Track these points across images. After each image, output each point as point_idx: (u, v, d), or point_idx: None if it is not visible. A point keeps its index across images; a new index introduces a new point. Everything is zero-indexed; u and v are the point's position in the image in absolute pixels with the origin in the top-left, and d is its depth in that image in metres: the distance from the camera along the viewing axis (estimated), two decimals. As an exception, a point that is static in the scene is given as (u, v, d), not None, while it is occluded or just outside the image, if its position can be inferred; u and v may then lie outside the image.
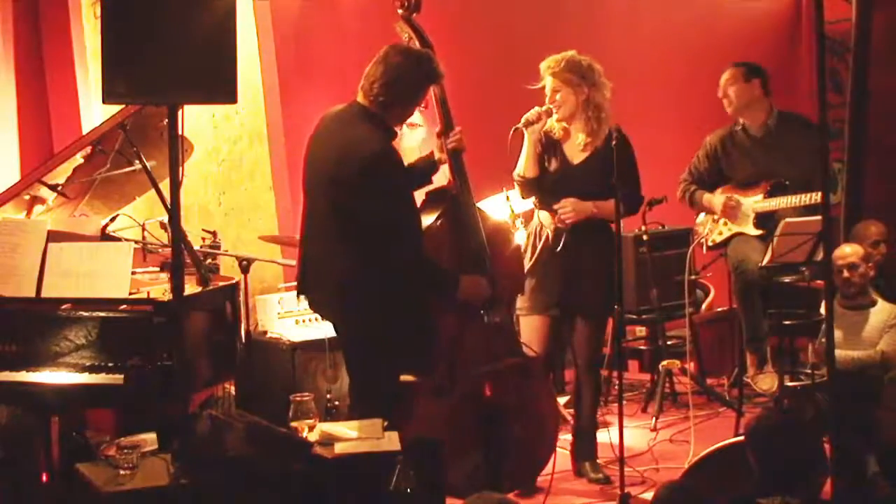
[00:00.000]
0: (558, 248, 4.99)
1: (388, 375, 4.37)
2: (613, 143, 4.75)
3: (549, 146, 5.03)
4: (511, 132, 4.96)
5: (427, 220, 4.54)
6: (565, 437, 5.37)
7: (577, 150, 5.05)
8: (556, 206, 4.99)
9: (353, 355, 4.46)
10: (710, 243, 6.28)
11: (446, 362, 4.48)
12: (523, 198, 5.17)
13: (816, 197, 5.75)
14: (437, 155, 4.69)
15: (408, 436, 3.86)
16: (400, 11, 4.64)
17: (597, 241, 5.00)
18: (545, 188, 5.03)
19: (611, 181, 4.69)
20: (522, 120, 4.93)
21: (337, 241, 4.29)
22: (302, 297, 4.59)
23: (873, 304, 5.41)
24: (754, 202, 6.07)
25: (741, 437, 3.92)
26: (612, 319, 5.21)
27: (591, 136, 5.01)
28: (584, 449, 5.19)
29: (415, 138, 5.95)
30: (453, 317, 4.52)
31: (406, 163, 4.56)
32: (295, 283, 4.57)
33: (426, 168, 4.71)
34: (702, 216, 6.37)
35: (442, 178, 4.82)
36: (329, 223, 4.32)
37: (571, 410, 5.42)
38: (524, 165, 5.01)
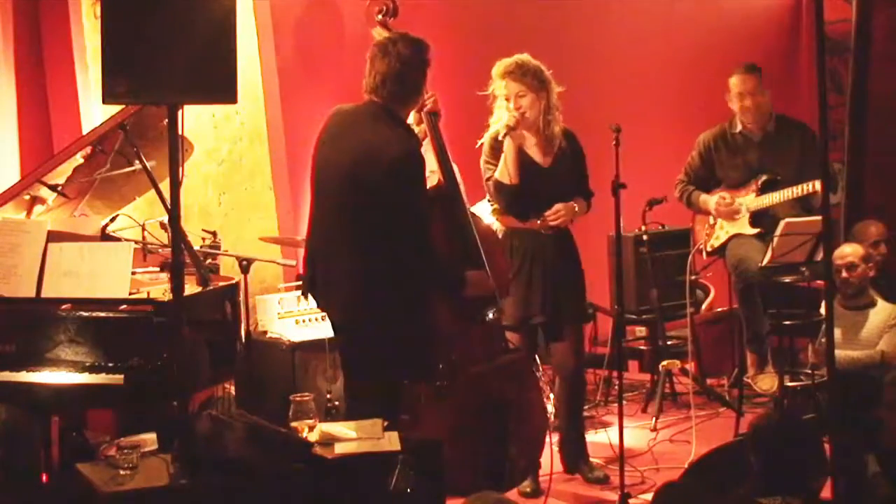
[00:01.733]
0: (547, 258, 5.00)
1: (391, 379, 4.35)
2: (615, 142, 4.76)
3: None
4: (493, 139, 4.99)
5: None
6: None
7: (540, 153, 5.06)
8: (548, 213, 4.99)
9: (359, 356, 4.41)
10: (708, 248, 6.28)
11: (446, 362, 4.47)
12: (499, 205, 5.07)
13: (809, 187, 5.76)
14: (415, 128, 4.57)
15: (409, 436, 3.85)
16: (378, 17, 4.64)
17: (567, 245, 5.10)
18: (521, 194, 5.01)
19: (616, 181, 4.72)
20: (504, 127, 4.91)
21: (353, 241, 4.24)
22: (308, 296, 4.56)
23: (873, 304, 5.41)
24: (748, 201, 6.06)
25: (741, 437, 3.93)
26: (613, 319, 5.23)
27: (553, 138, 5.04)
28: (578, 451, 5.18)
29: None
30: (455, 316, 4.50)
31: None
32: (295, 284, 4.57)
33: None
34: (698, 223, 6.36)
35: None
36: (345, 224, 4.26)
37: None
38: (508, 172, 4.94)
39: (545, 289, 5.02)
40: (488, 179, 5.04)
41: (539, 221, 5.02)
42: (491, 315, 4.61)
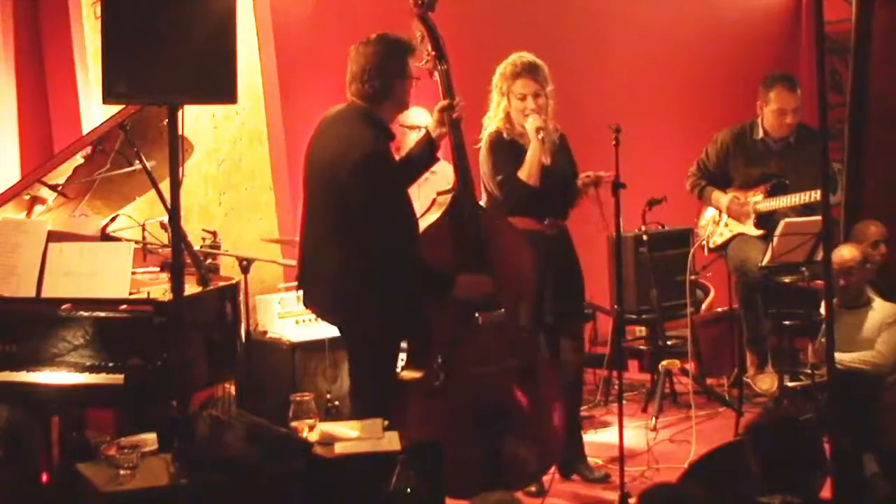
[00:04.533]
0: (553, 258, 4.99)
1: (384, 371, 4.37)
2: (614, 142, 4.76)
3: (523, 150, 4.99)
4: (496, 137, 4.97)
5: (431, 217, 4.53)
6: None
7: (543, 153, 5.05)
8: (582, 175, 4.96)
9: (350, 352, 4.48)
10: (711, 245, 6.29)
11: (440, 363, 4.46)
12: (515, 203, 4.97)
13: (816, 195, 5.74)
14: (436, 130, 4.53)
15: (409, 436, 3.85)
16: (415, 9, 4.61)
17: (568, 245, 5.11)
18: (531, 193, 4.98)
19: (616, 181, 4.71)
20: (533, 127, 4.88)
21: (331, 239, 4.30)
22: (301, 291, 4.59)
23: (872, 303, 5.41)
24: (755, 202, 6.07)
25: (741, 437, 3.92)
26: (613, 319, 5.23)
27: (552, 137, 5.02)
28: (576, 450, 5.18)
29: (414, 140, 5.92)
30: (446, 317, 4.50)
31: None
32: (295, 284, 4.58)
33: (426, 149, 4.59)
34: (704, 219, 6.37)
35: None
36: (324, 221, 4.34)
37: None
38: (534, 173, 4.89)
39: (555, 289, 5.01)
40: (502, 180, 4.97)
41: (544, 223, 5.00)
42: (486, 318, 4.56)
